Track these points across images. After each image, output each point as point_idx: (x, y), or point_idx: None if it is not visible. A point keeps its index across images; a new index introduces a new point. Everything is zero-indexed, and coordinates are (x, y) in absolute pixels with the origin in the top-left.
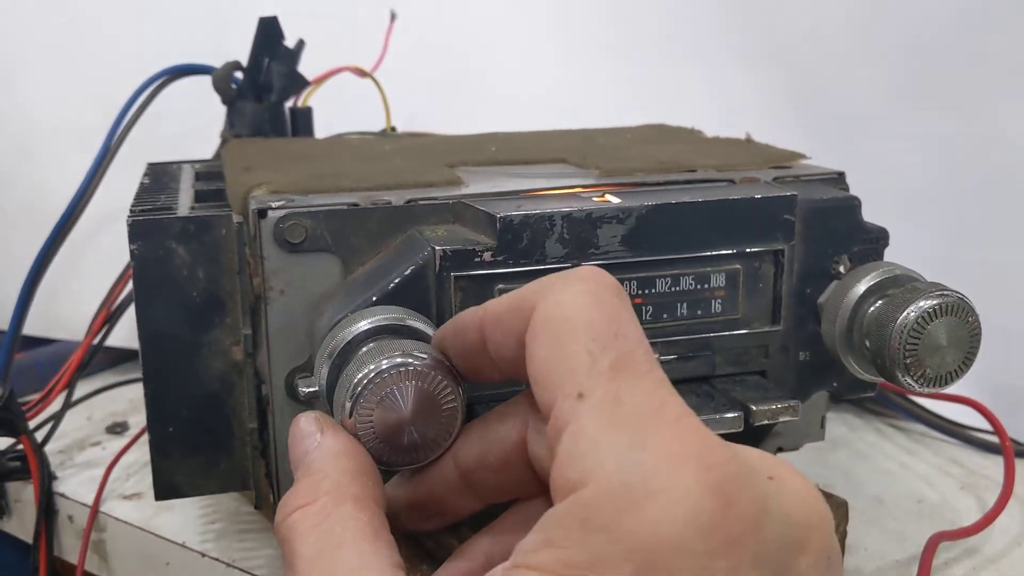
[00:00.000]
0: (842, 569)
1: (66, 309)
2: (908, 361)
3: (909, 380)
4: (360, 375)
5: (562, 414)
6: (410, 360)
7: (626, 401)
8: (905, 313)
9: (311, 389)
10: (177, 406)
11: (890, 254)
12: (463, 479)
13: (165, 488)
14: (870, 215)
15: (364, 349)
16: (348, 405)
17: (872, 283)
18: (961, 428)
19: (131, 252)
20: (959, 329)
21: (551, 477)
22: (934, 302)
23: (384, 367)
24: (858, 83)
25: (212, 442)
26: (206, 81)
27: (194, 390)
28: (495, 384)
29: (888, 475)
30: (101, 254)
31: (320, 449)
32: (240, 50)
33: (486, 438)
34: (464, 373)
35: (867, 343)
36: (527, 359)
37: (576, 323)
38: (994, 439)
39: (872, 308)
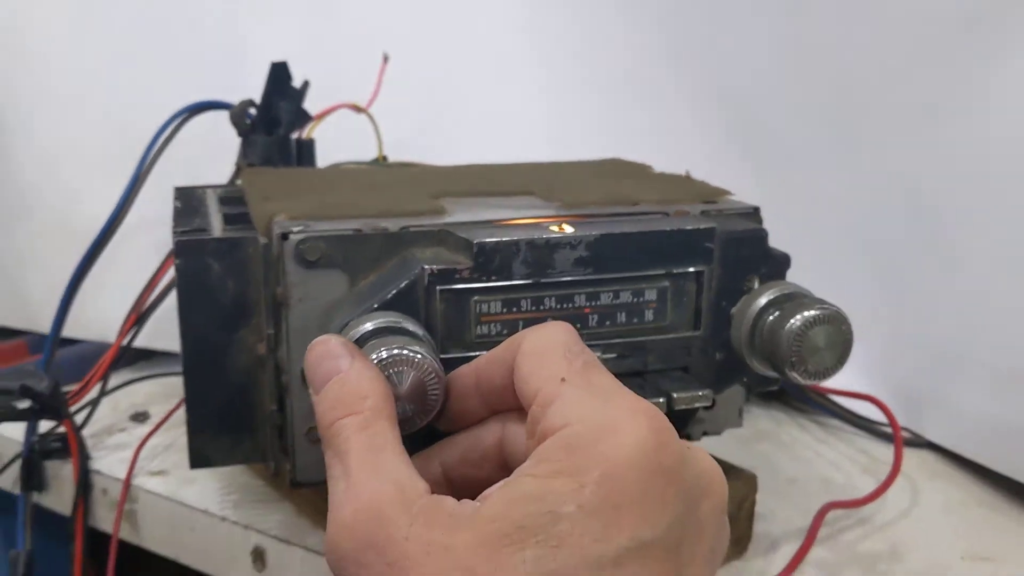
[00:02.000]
0: (728, 529)
1: (90, 313)
2: (794, 360)
3: (795, 375)
4: (373, 356)
5: (548, 394)
6: (409, 352)
7: (595, 384)
8: (792, 321)
9: None
10: (210, 392)
11: (820, 273)
12: (445, 475)
13: (198, 458)
14: (798, 240)
15: (372, 342)
16: None
17: (771, 298)
18: (870, 423)
19: (176, 266)
20: (835, 335)
21: (537, 433)
22: (815, 312)
23: (391, 354)
24: (791, 123)
25: (238, 422)
26: (216, 113)
27: (225, 379)
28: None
29: (803, 461)
30: (119, 265)
31: (355, 370)
32: (250, 85)
33: (469, 441)
34: (454, 415)
35: (765, 345)
36: (515, 372)
37: (554, 344)
38: None
39: (770, 318)
